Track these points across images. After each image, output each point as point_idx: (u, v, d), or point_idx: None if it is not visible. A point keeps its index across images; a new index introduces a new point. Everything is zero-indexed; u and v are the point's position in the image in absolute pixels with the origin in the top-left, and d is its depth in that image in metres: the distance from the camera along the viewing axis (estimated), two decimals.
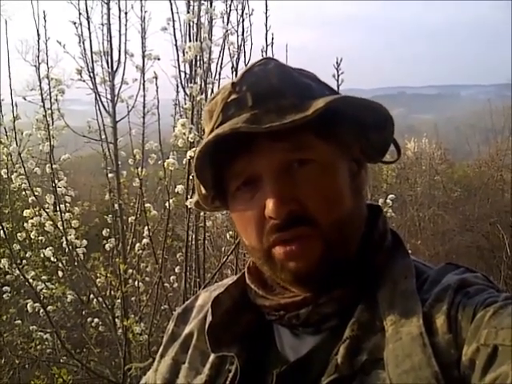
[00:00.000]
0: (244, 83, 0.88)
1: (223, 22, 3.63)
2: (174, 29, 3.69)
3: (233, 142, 0.84)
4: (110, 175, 3.93)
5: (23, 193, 4.10)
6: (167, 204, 3.29)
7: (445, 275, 0.87)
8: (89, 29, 3.84)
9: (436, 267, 0.92)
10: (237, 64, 3.62)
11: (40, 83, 3.72)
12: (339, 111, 0.85)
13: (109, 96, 3.89)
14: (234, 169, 0.88)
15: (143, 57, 3.73)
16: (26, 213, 3.89)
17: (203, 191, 0.96)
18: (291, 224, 0.84)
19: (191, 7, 3.63)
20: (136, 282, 3.72)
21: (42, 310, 3.78)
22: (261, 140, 0.84)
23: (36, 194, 3.81)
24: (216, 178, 0.92)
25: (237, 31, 3.59)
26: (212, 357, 0.96)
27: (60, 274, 3.99)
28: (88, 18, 3.82)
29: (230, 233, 3.66)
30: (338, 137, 0.89)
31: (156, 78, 3.48)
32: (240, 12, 3.59)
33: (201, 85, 3.44)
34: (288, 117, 0.80)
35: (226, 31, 3.59)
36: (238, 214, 0.92)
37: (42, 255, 4.00)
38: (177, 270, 4.00)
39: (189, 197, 3.29)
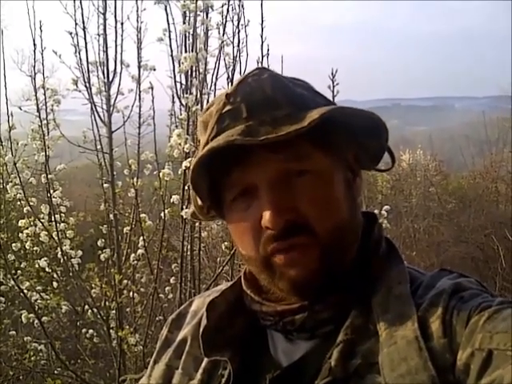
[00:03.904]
0: (238, 94, 0.88)
1: (219, 32, 3.64)
2: (170, 39, 3.72)
3: (228, 153, 0.84)
4: (105, 185, 3.93)
5: (18, 203, 4.11)
6: (162, 214, 3.29)
7: (439, 280, 0.87)
8: (85, 39, 3.86)
9: (430, 273, 0.93)
10: (232, 75, 3.63)
11: (36, 93, 3.74)
12: (334, 120, 0.86)
13: (104, 106, 3.90)
14: (229, 180, 0.89)
15: (139, 67, 3.74)
16: (21, 223, 3.89)
17: (199, 202, 0.97)
18: (288, 233, 0.84)
19: (187, 18, 3.65)
20: (131, 293, 3.70)
21: (36, 321, 3.76)
22: (256, 151, 0.84)
23: (31, 204, 3.81)
24: (211, 189, 0.92)
25: (232, 42, 3.61)
26: (205, 361, 0.96)
27: (55, 284, 3.98)
28: (84, 29, 3.85)
29: (226, 243, 3.65)
30: (333, 145, 0.89)
31: (152, 88, 3.49)
32: (236, 23, 3.62)
33: (196, 95, 3.44)
34: (283, 128, 0.81)
35: (222, 42, 3.60)
36: (234, 225, 0.93)
37: (36, 266, 3.98)
38: (172, 280, 3.98)
39: (184, 207, 3.29)
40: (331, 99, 0.97)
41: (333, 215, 0.87)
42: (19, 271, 4.14)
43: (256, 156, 0.85)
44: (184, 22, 3.65)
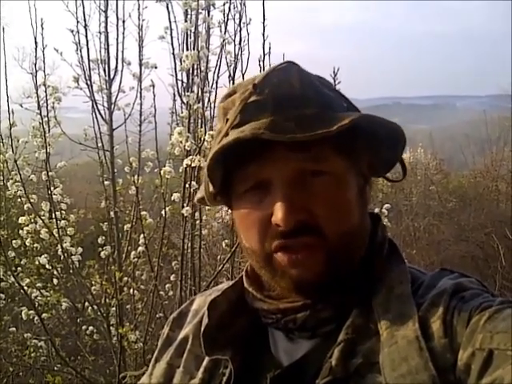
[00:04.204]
0: (266, 85, 0.87)
1: (221, 31, 3.63)
2: (172, 37, 3.70)
3: (248, 145, 0.83)
4: (106, 183, 3.91)
5: (19, 200, 4.09)
6: (163, 212, 3.29)
7: (440, 280, 0.88)
8: (86, 37, 3.84)
9: (430, 273, 0.93)
10: (234, 73, 3.62)
11: (37, 91, 3.72)
12: (356, 126, 0.85)
13: (106, 104, 3.88)
14: (244, 172, 0.88)
15: (140, 65, 3.73)
16: (22, 220, 3.88)
17: (211, 189, 0.94)
18: (297, 232, 0.84)
19: (189, 16, 3.64)
20: (131, 290, 3.70)
21: (36, 318, 3.76)
22: (276, 147, 0.83)
23: (32, 201, 3.80)
24: (224, 177, 0.91)
25: (234, 40, 3.59)
26: (206, 360, 0.96)
27: (55, 281, 3.97)
28: (86, 26, 3.83)
29: (226, 241, 3.65)
30: (352, 151, 0.89)
31: (153, 86, 3.48)
32: (237, 21, 3.60)
33: (198, 93, 3.43)
34: (309, 128, 0.80)
35: (224, 40, 3.60)
36: (242, 216, 0.92)
37: (37, 262, 3.97)
38: (172, 278, 3.98)
39: (185, 205, 3.29)
40: None
41: (344, 219, 0.87)
42: (19, 268, 4.12)
43: (275, 152, 0.84)
44: (186, 20, 3.63)
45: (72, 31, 3.83)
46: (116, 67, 3.88)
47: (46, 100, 3.78)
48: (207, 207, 3.43)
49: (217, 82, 3.76)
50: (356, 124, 0.83)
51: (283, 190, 0.84)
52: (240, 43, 3.57)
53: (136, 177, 3.49)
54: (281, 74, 0.88)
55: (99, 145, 3.91)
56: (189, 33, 3.68)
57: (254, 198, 0.88)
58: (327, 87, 0.92)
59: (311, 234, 0.84)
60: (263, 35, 3.28)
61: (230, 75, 3.65)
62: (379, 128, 0.89)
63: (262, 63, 3.32)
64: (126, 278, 3.70)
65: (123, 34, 3.83)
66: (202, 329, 0.96)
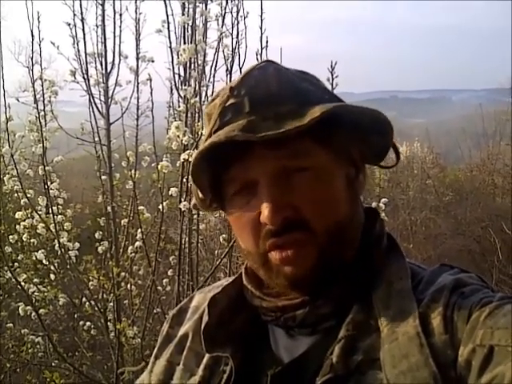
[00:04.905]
0: (242, 87, 0.87)
1: (218, 24, 3.63)
2: (169, 31, 3.69)
3: (228, 148, 0.83)
4: (103, 177, 3.91)
5: (15, 195, 4.08)
6: (160, 207, 3.28)
7: (439, 276, 0.88)
8: (83, 30, 3.83)
9: (430, 268, 0.93)
10: (231, 67, 3.61)
11: (33, 84, 3.70)
12: (338, 116, 0.85)
13: (102, 98, 3.88)
14: (229, 174, 0.89)
15: (137, 59, 3.73)
16: (18, 215, 3.86)
17: (200, 195, 0.97)
18: (286, 230, 0.84)
19: (186, 9, 3.63)
20: (129, 285, 3.70)
21: (33, 313, 3.75)
22: (256, 147, 0.84)
23: (28, 196, 3.78)
24: (213, 182, 0.92)
25: (231, 34, 3.59)
26: (206, 357, 0.96)
27: (52, 276, 3.96)
28: (82, 20, 3.81)
29: (223, 236, 3.66)
30: (335, 142, 0.89)
31: (150, 80, 3.47)
32: (235, 15, 3.60)
33: (195, 87, 3.43)
34: (284, 125, 0.81)
35: (221, 34, 3.59)
36: (234, 219, 0.93)
37: (34, 258, 3.96)
38: (170, 273, 3.99)
39: (182, 200, 3.28)
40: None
41: (330, 213, 0.87)
42: (16, 263, 4.10)
43: (256, 152, 0.85)
44: (183, 14, 3.62)
45: (69, 24, 3.81)
46: (113, 61, 3.88)
47: (43, 94, 3.76)
48: None
49: (214, 76, 3.77)
50: (335, 114, 0.83)
51: (267, 189, 0.85)
52: (237, 37, 3.57)
53: (133, 171, 3.47)
54: (258, 74, 0.89)
55: (96, 139, 3.91)
56: (186, 26, 3.68)
57: (243, 200, 0.89)
58: (308, 82, 0.92)
59: (300, 230, 0.85)
60: (261, 29, 3.26)
61: (227, 69, 3.64)
62: (362, 116, 0.88)
63: (259, 57, 3.31)
64: (123, 273, 3.70)
65: (120, 27, 3.84)
66: (203, 326, 0.96)
